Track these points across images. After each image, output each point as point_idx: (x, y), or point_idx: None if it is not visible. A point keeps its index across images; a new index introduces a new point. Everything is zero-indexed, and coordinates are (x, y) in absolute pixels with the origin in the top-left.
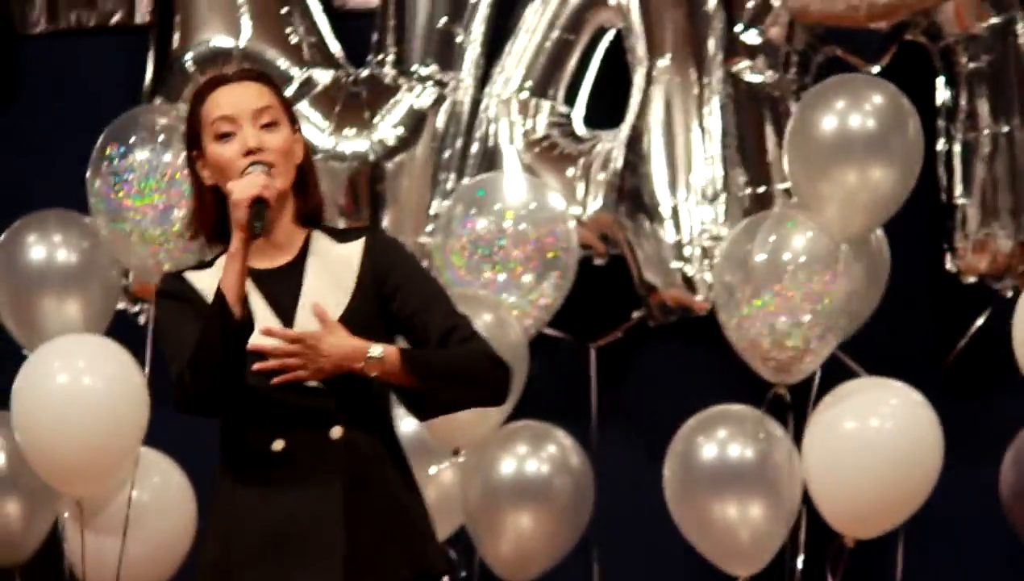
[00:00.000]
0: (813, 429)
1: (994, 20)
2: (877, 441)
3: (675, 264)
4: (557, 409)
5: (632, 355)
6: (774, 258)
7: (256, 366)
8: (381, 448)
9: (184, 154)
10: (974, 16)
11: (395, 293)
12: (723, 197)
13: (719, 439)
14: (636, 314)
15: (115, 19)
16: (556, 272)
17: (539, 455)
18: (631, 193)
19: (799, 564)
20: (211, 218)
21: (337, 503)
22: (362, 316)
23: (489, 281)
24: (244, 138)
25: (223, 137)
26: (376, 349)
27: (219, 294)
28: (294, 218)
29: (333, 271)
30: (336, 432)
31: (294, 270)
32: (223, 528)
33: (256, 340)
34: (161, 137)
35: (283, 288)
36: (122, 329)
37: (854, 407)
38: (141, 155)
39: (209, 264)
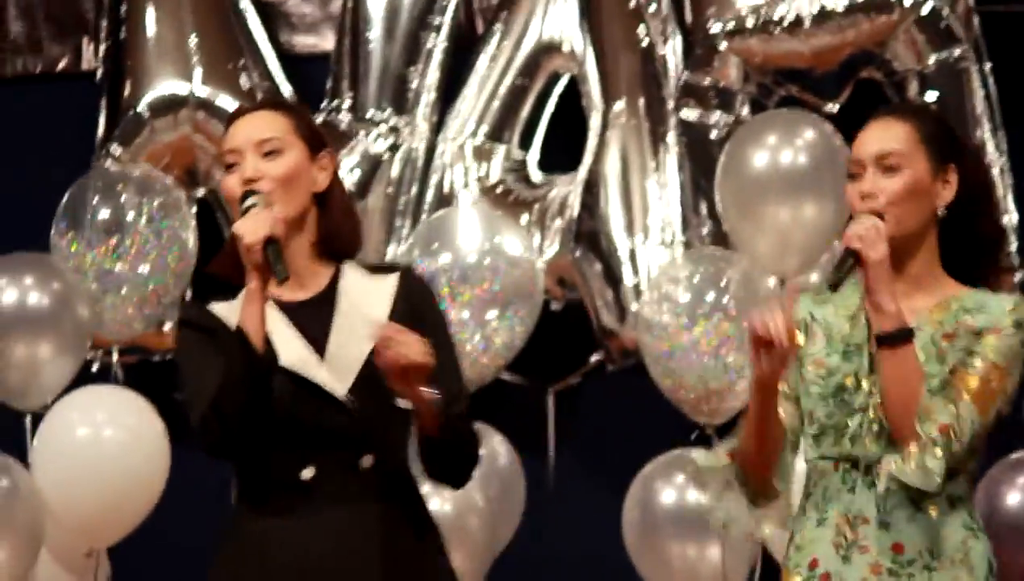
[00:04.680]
0: None
1: (943, 54)
2: None
3: (634, 307)
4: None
5: (589, 398)
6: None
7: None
8: (407, 479)
9: None
10: (927, 49)
11: None
12: (681, 240)
13: (677, 484)
14: (595, 357)
15: (61, 65)
16: (518, 311)
17: None
18: (588, 236)
19: None
20: (232, 259)
21: (375, 536)
22: None
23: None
24: (243, 168)
25: (230, 168)
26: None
27: (240, 333)
28: (313, 247)
29: (364, 303)
30: (367, 461)
31: (324, 302)
32: (241, 565)
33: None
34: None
35: (313, 320)
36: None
37: None
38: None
39: (233, 295)
